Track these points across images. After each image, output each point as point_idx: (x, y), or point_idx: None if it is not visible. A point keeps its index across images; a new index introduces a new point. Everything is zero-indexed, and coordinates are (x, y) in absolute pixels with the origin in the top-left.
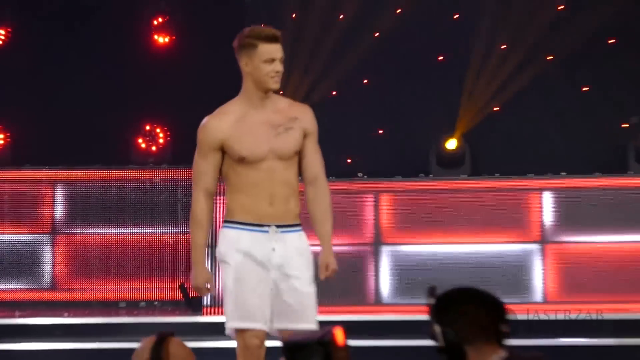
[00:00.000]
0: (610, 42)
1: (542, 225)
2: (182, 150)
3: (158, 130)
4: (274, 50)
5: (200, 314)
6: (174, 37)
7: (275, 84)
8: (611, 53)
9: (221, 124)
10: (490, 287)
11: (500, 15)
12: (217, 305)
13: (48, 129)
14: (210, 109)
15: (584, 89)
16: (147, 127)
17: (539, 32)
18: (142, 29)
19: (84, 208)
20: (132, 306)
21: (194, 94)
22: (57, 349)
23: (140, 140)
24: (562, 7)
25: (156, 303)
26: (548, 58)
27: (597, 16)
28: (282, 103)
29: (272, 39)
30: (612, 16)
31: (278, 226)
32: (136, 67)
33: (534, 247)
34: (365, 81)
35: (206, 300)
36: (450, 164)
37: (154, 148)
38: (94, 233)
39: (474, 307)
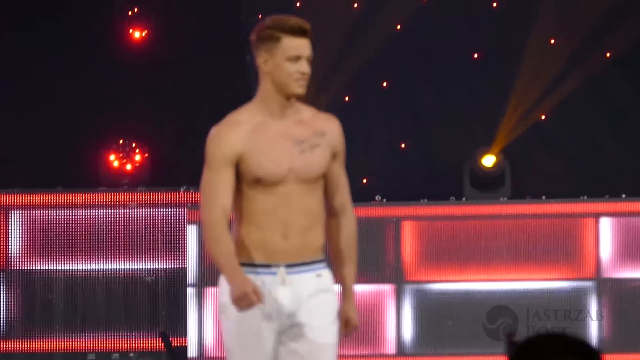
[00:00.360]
0: None
1: (598, 259)
2: (162, 170)
3: (134, 144)
4: (301, 45)
5: None
6: (152, 32)
7: (299, 88)
8: None
9: (236, 135)
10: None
11: (548, 3)
12: (205, 357)
13: None
14: (197, 119)
15: None
16: (121, 142)
17: (594, 24)
18: (114, 24)
19: (44, 240)
20: (103, 359)
21: (178, 102)
22: None
23: (112, 158)
24: None
25: (132, 354)
26: (606, 55)
27: None
28: (306, 112)
29: (298, 32)
30: None
31: (290, 265)
32: (107, 69)
33: (589, 284)
34: (384, 84)
35: (192, 351)
36: (488, 185)
37: (129, 167)
38: (56, 270)
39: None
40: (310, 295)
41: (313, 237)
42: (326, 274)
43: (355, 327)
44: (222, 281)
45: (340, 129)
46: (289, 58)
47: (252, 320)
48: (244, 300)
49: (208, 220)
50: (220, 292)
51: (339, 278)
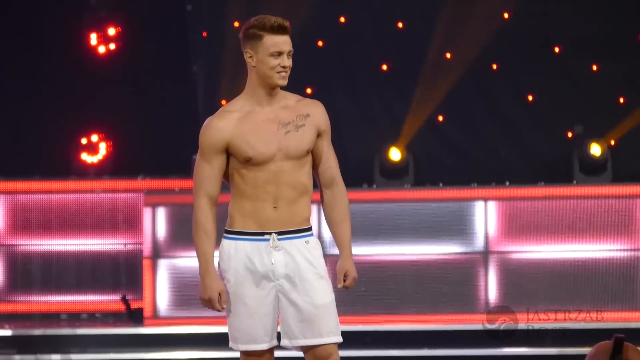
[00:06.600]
0: (555, 49)
1: (486, 235)
2: (123, 161)
3: (96, 138)
4: (281, 42)
5: (142, 326)
6: (119, 44)
7: (282, 80)
8: (557, 61)
9: (226, 124)
10: (436, 298)
11: (445, 23)
12: (158, 317)
13: None
14: (154, 118)
15: (529, 97)
16: (89, 138)
17: (484, 41)
18: (84, 34)
19: (24, 219)
20: (74, 318)
21: (137, 103)
22: None
23: (81, 151)
24: (507, 15)
25: (98, 315)
26: (493, 67)
27: (542, 24)
28: (291, 99)
29: (278, 30)
30: (556, 24)
31: (281, 233)
32: (76, 74)
33: (478, 256)
34: (308, 90)
35: (147, 312)
36: (394, 175)
37: (95, 159)
38: (35, 244)
39: None
40: (302, 260)
41: (300, 208)
42: (314, 242)
43: (354, 278)
44: (220, 247)
45: (324, 111)
46: (271, 54)
47: (251, 282)
48: (208, 304)
49: (195, 205)
50: (219, 257)
51: (336, 240)
